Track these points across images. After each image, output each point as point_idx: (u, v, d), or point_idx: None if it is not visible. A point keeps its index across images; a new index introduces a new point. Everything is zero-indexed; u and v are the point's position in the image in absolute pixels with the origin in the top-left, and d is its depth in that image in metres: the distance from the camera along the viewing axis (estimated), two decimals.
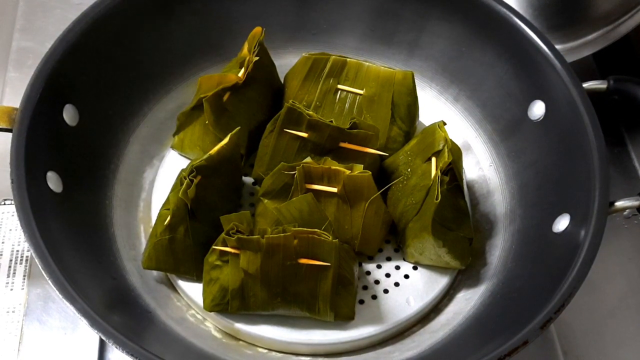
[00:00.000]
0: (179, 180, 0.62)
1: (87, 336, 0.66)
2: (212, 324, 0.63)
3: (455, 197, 0.63)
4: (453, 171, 0.62)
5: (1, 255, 0.70)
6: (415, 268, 0.66)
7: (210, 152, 0.63)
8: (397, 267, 0.66)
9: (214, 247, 0.60)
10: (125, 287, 0.63)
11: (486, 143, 0.73)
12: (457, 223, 0.63)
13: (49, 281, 0.54)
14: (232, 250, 0.59)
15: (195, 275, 0.63)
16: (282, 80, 0.72)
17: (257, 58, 0.67)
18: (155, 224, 0.64)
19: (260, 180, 0.66)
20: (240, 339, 0.62)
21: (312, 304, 0.60)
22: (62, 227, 0.59)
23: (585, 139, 0.63)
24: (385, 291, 0.64)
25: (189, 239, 0.62)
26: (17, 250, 0.70)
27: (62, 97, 0.64)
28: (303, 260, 0.59)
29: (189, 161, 0.68)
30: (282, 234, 0.59)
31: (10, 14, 0.87)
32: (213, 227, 0.62)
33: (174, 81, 0.74)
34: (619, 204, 0.61)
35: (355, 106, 0.69)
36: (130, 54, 0.70)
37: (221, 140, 0.64)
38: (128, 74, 0.70)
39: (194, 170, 0.61)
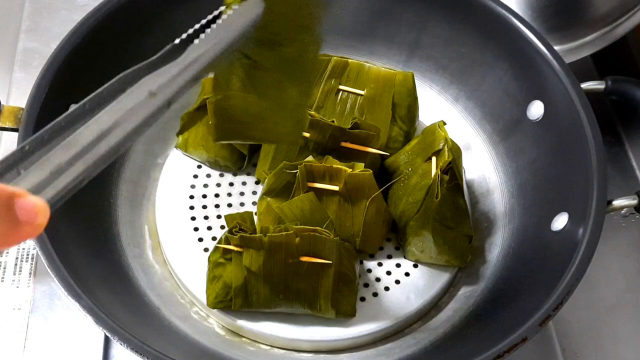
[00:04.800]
0: None
1: (92, 333, 0.66)
2: (215, 321, 0.64)
3: (455, 196, 0.63)
4: (453, 170, 0.63)
5: (7, 253, 0.70)
6: (415, 266, 0.66)
7: None
8: (398, 265, 0.66)
9: (217, 245, 0.61)
10: (130, 284, 0.63)
11: (486, 143, 0.73)
12: (457, 221, 0.64)
13: (55, 279, 0.54)
14: (235, 248, 0.60)
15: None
16: None
17: None
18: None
19: (263, 179, 0.67)
20: (243, 336, 0.63)
21: (313, 301, 0.61)
22: (68, 225, 0.60)
23: (584, 139, 0.63)
24: (386, 289, 0.65)
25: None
26: (23, 248, 0.71)
27: (67, 97, 0.64)
28: (305, 258, 0.59)
29: (192, 160, 0.69)
30: (284, 232, 0.59)
31: (16, 15, 0.87)
32: None
33: None
34: (617, 202, 0.62)
35: (357, 106, 0.70)
36: (135, 55, 0.69)
37: None
38: None
39: None
